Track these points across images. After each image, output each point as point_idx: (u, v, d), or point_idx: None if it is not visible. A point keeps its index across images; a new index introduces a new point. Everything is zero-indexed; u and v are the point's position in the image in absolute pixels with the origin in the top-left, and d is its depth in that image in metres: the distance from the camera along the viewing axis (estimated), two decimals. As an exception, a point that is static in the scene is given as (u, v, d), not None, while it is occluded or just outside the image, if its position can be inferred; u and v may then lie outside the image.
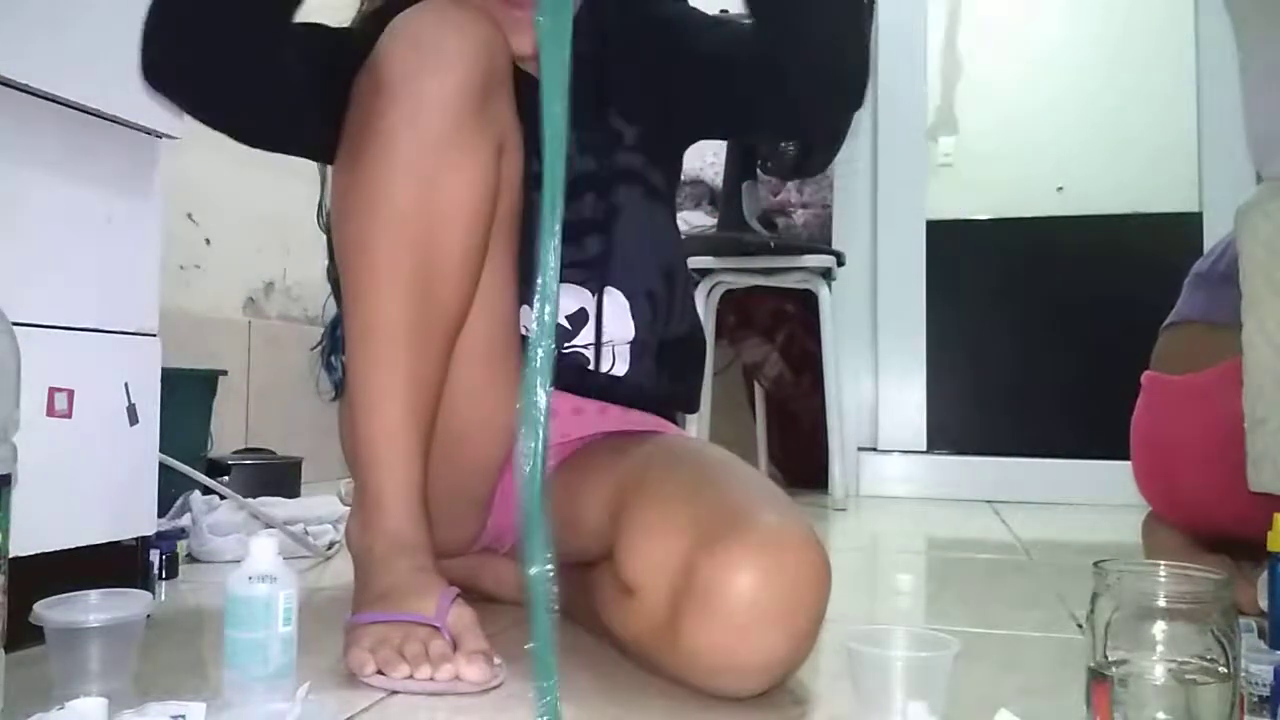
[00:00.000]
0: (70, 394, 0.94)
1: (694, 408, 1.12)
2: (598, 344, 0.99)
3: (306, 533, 1.41)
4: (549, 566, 0.52)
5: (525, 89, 0.87)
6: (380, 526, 0.86)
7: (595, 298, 0.98)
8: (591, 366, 1.00)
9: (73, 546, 0.95)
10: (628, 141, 1.00)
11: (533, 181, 0.92)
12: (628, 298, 1.00)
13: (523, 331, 0.97)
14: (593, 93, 0.99)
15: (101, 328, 0.98)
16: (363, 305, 0.86)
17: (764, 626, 0.72)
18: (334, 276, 0.94)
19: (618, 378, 1.02)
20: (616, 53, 1.02)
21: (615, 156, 0.99)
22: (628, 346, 1.01)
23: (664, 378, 1.04)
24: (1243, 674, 0.65)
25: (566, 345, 0.98)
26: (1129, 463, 1.39)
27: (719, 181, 2.52)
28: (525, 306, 0.96)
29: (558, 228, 0.54)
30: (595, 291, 0.98)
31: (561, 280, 0.93)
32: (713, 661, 0.74)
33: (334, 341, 1.17)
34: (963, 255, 2.75)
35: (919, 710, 0.65)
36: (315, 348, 1.23)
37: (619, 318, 1.00)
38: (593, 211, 0.98)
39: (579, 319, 0.98)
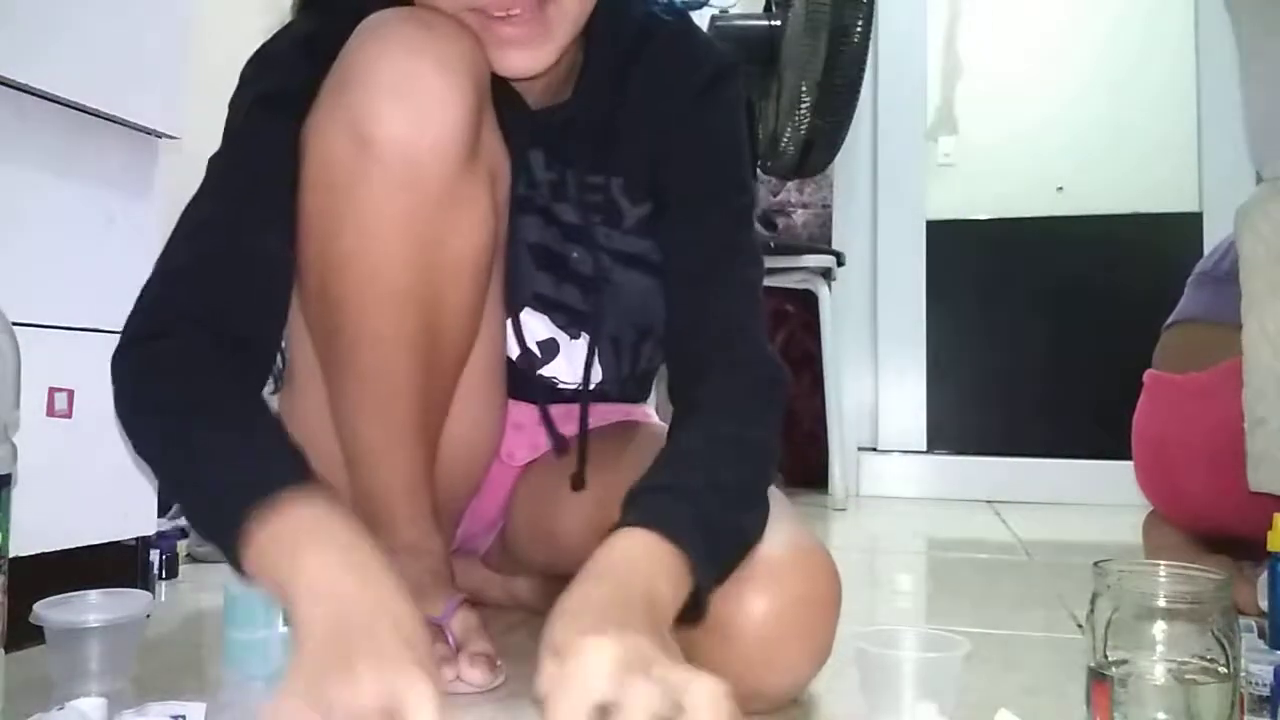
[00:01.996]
0: (70, 394, 0.94)
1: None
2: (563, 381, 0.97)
3: (306, 533, 1.40)
4: None
5: (505, 103, 0.84)
6: (393, 540, 0.86)
7: (568, 340, 0.95)
8: (560, 386, 0.97)
9: (73, 546, 0.95)
10: (628, 224, 0.92)
11: (517, 204, 0.88)
12: (598, 346, 0.95)
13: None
14: (599, 155, 0.91)
15: (101, 328, 0.97)
16: (359, 366, 0.81)
17: (785, 652, 0.71)
18: None
19: (587, 389, 0.99)
20: (630, 129, 0.91)
21: (612, 237, 0.92)
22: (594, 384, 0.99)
23: (627, 386, 1.01)
24: (1243, 674, 0.65)
25: (536, 372, 0.95)
26: (1129, 463, 1.39)
27: (719, 181, 2.51)
28: (509, 320, 0.94)
29: None
30: (571, 336, 0.94)
31: (536, 309, 0.92)
32: (735, 691, 0.73)
33: None
34: (963, 255, 2.75)
35: (929, 711, 0.65)
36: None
37: (590, 365, 0.96)
38: (584, 269, 0.91)
39: (549, 348, 0.95)
